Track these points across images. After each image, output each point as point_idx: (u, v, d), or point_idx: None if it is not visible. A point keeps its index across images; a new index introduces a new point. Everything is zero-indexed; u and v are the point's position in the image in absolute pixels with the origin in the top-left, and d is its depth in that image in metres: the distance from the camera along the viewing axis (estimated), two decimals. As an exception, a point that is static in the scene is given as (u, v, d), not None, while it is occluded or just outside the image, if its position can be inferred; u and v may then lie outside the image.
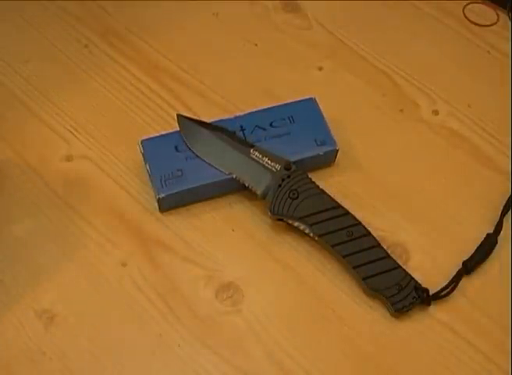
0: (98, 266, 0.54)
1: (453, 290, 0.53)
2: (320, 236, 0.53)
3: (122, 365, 0.51)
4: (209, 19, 0.69)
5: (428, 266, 0.55)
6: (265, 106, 0.59)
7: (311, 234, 0.54)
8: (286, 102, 0.59)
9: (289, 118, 0.58)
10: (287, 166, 0.55)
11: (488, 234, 0.56)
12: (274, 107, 0.59)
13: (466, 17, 0.70)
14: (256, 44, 0.68)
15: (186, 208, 0.57)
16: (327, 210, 0.53)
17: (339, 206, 0.54)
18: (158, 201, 0.55)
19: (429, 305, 0.53)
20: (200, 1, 0.70)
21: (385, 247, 0.53)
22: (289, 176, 0.54)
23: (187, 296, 0.53)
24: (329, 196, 0.54)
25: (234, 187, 0.57)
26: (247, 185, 0.56)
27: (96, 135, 0.61)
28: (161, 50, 0.67)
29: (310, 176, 0.55)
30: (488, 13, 0.71)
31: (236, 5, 0.70)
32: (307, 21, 0.70)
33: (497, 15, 0.70)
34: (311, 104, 0.59)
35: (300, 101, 0.59)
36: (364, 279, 0.52)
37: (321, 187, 0.55)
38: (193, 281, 0.54)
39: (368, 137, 0.62)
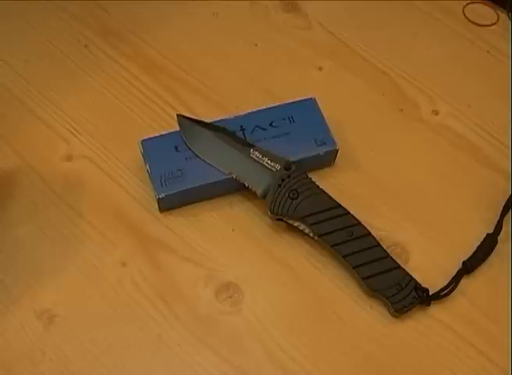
0: (98, 266, 0.54)
1: (453, 290, 0.53)
2: (320, 236, 0.53)
3: (122, 365, 0.51)
4: (209, 19, 0.69)
5: (428, 266, 0.55)
6: (265, 106, 0.59)
7: (311, 234, 0.54)
8: (286, 102, 0.59)
9: (289, 118, 0.58)
10: (287, 166, 0.55)
11: (488, 234, 0.56)
12: (274, 107, 0.59)
13: (466, 17, 0.70)
14: (256, 44, 0.68)
15: (186, 208, 0.57)
16: (327, 210, 0.53)
17: (339, 206, 0.54)
18: (158, 201, 0.55)
19: (429, 305, 0.53)
20: (200, 1, 0.70)
21: (385, 247, 0.53)
22: (289, 176, 0.54)
23: (187, 296, 0.53)
24: (329, 196, 0.54)
25: (234, 187, 0.57)
26: (246, 185, 0.56)
27: (96, 135, 0.61)
28: (161, 50, 0.67)
29: (310, 176, 0.55)
30: (488, 13, 0.71)
31: (236, 5, 0.70)
32: (307, 21, 0.70)
33: (497, 15, 0.70)
34: (310, 104, 0.59)
35: (300, 101, 0.59)
36: (364, 279, 0.52)
37: (321, 187, 0.55)
38: (193, 281, 0.54)
39: (367, 137, 0.62)
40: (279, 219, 0.55)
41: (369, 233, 0.53)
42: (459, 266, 0.54)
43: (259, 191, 0.55)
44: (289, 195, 0.54)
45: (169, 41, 0.67)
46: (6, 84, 0.64)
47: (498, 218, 0.57)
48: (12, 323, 0.52)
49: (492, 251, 0.55)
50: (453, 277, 0.54)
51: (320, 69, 0.66)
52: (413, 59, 0.67)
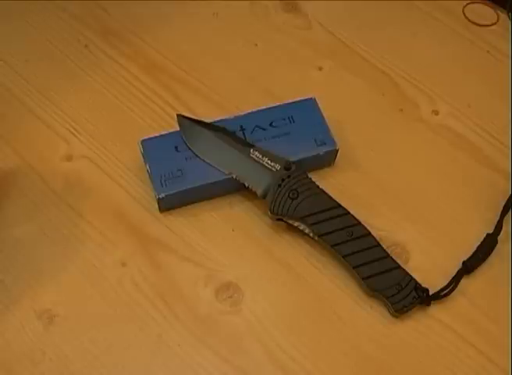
0: (98, 266, 0.54)
1: (453, 290, 0.53)
2: (320, 236, 0.53)
3: (122, 365, 0.51)
4: (209, 19, 0.69)
5: (428, 266, 0.55)
6: (265, 106, 0.59)
7: (311, 234, 0.54)
8: (286, 102, 0.59)
9: (289, 118, 0.58)
10: (287, 166, 0.55)
11: (488, 234, 0.56)
12: (274, 107, 0.59)
13: (466, 17, 0.70)
14: (256, 44, 0.68)
15: (186, 208, 0.57)
16: (327, 210, 0.53)
17: (339, 206, 0.54)
18: (158, 201, 0.55)
19: (429, 305, 0.53)
20: (200, 1, 0.70)
21: (385, 247, 0.53)
22: (289, 176, 0.54)
23: (187, 296, 0.53)
24: (329, 196, 0.54)
25: (234, 187, 0.57)
26: (246, 185, 0.56)
27: (96, 135, 0.61)
28: (161, 50, 0.67)
29: (310, 176, 0.55)
30: (488, 13, 0.71)
31: (236, 5, 0.70)
32: (307, 21, 0.70)
33: (497, 15, 0.70)
34: (310, 104, 0.59)
35: (300, 101, 0.59)
36: (364, 279, 0.52)
37: (321, 187, 0.55)
38: (193, 281, 0.54)
39: (367, 137, 0.62)
40: (279, 219, 0.55)
41: (369, 233, 0.53)
42: (459, 266, 0.54)
43: (259, 191, 0.55)
44: (289, 195, 0.54)
45: (169, 41, 0.67)
46: (6, 84, 0.64)
47: (498, 218, 0.57)
48: (12, 323, 0.52)
49: (492, 251, 0.55)
50: (453, 277, 0.54)
51: (320, 69, 0.66)
52: (413, 59, 0.67)
